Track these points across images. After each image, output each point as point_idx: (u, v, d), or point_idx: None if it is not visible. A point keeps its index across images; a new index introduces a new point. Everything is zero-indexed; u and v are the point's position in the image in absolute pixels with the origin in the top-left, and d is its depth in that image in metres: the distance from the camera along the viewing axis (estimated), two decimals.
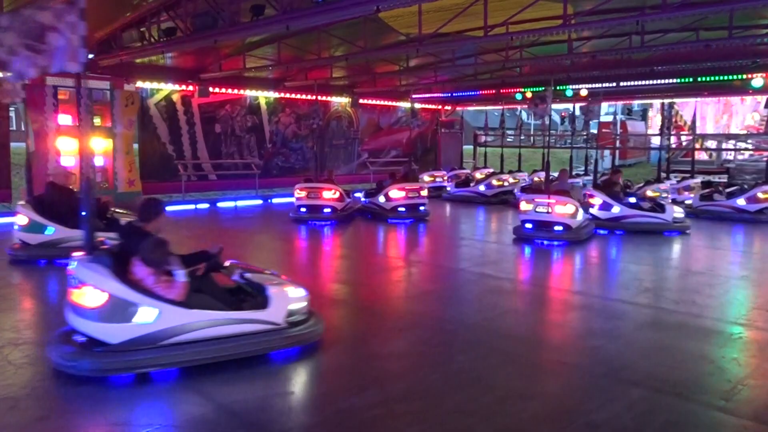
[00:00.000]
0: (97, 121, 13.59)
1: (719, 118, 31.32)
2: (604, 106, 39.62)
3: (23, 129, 14.22)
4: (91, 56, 12.62)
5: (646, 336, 5.35)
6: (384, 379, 4.31)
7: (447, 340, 5.20)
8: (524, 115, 31.85)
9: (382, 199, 12.56)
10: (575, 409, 3.86)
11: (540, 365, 4.76)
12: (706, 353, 4.90)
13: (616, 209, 11.10)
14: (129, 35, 11.97)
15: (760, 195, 12.69)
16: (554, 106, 25.91)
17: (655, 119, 34.30)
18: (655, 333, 5.42)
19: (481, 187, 16.24)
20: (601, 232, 10.96)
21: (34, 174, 12.68)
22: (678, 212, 11.21)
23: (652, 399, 4.00)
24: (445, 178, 18.28)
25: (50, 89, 12.90)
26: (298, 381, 4.44)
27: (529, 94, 18.74)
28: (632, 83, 15.82)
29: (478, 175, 17.74)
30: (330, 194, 12.15)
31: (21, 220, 8.15)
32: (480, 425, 3.64)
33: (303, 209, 12.20)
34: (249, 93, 17.08)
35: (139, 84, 14.66)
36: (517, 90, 18.04)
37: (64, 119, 13.11)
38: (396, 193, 12.45)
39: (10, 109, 14.00)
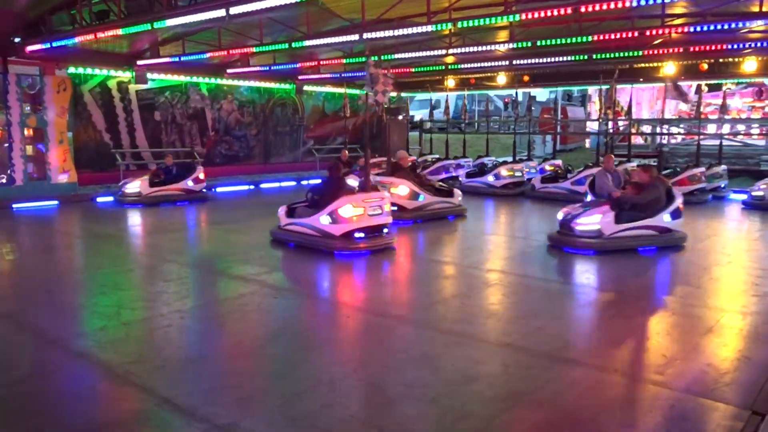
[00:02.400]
0: (27, 108, 12.92)
1: (653, 103, 32.54)
2: (544, 92, 40.49)
3: None
4: (17, 40, 11.97)
5: (586, 315, 5.53)
6: (328, 367, 4.30)
7: (390, 325, 5.23)
8: (457, 103, 32.26)
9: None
10: (520, 389, 3.95)
11: (486, 347, 4.85)
12: (643, 331, 5.11)
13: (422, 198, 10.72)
14: (59, 18, 11.39)
15: (691, 178, 13.33)
16: (498, 92, 26.19)
17: (595, 105, 35.38)
18: (593, 312, 5.60)
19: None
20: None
21: None
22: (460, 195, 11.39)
23: (593, 376, 4.15)
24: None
25: None
26: (245, 372, 4.37)
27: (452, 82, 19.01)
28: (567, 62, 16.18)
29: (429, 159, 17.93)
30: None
31: None
32: (427, 408, 3.68)
33: None
34: (189, 79, 16.59)
35: (72, 69, 14.01)
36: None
37: None
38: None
39: None
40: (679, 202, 8.24)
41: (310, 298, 6.42)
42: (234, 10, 8.44)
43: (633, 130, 20.35)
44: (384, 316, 5.50)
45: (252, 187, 16.54)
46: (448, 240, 9.72)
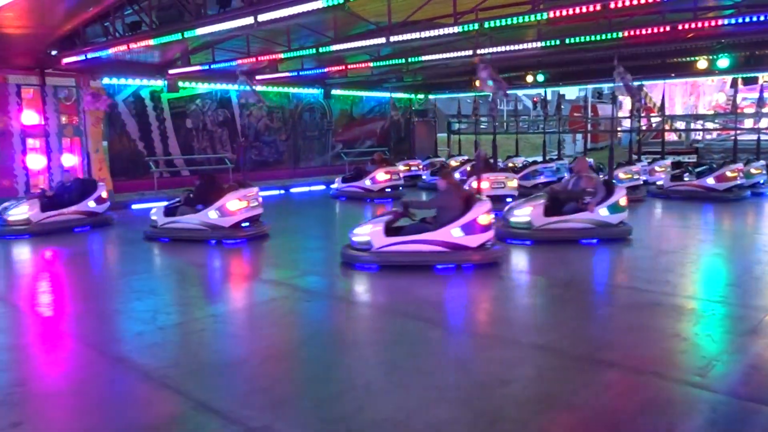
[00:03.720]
0: (63, 119, 13.28)
1: (687, 99, 31.82)
2: (574, 90, 39.88)
3: None
4: (54, 53, 12.31)
5: (621, 316, 5.43)
6: (363, 371, 4.30)
7: (423, 327, 5.22)
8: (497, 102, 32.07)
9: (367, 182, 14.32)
10: (554, 392, 3.89)
11: (519, 349, 4.80)
12: (679, 331, 5.00)
13: None
14: (93, 30, 11.68)
15: (729, 174, 12.95)
16: (526, 91, 25.95)
17: (625, 102, 34.78)
18: (629, 313, 5.49)
19: (456, 174, 16.28)
20: None
21: (0, 174, 12.46)
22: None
23: (630, 379, 4.07)
24: (421, 166, 18.28)
25: (13, 87, 12.57)
26: (279, 376, 4.40)
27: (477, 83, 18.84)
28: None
29: (453, 163, 17.79)
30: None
31: None
32: (461, 411, 3.65)
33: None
34: (219, 87, 16.85)
35: (106, 80, 14.36)
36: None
37: (29, 118, 12.80)
38: (382, 176, 14.25)
39: None
40: (619, 196, 8.71)
41: (345, 301, 6.43)
42: (262, 17, 8.54)
43: (666, 127, 19.97)
44: (416, 318, 5.48)
45: (282, 191, 16.69)
46: None
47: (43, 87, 12.95)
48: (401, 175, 15.03)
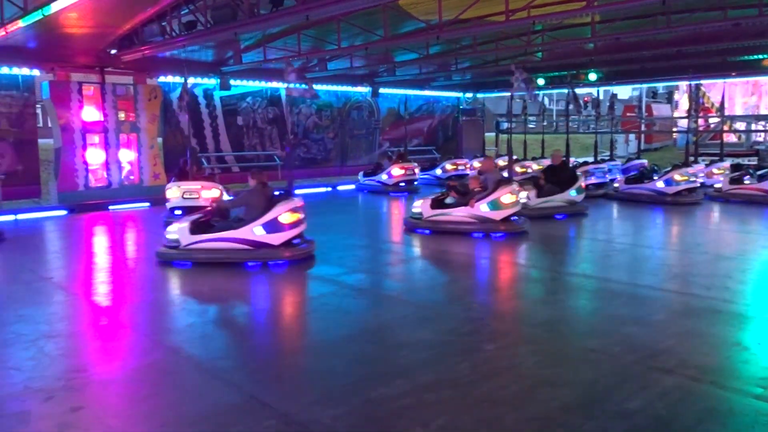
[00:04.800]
0: (121, 116, 13.73)
1: (748, 99, 30.56)
2: (627, 89, 38.67)
3: (50, 125, 14.46)
4: (113, 52, 12.74)
5: (677, 322, 5.25)
6: (412, 369, 4.29)
7: (474, 329, 5.17)
8: (546, 101, 31.48)
9: (384, 176, 15.50)
10: (606, 398, 3.79)
11: (568, 353, 4.70)
12: (740, 340, 4.80)
13: None
14: (150, 30, 12.03)
15: None
16: (577, 90, 25.53)
17: (682, 102, 33.67)
18: (686, 319, 5.31)
19: (504, 174, 16.06)
20: None
21: (62, 169, 12.99)
22: None
23: (686, 387, 3.93)
24: (468, 166, 18.12)
25: (75, 85, 13.07)
26: (326, 370, 4.43)
27: (541, 81, 18.54)
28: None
29: (501, 163, 17.54)
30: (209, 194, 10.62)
31: None
32: (509, 414, 3.60)
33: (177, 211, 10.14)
34: (270, 85, 17.11)
35: (161, 78, 14.77)
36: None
37: (90, 114, 13.29)
38: (397, 171, 15.39)
39: (37, 106, 14.22)
40: (501, 193, 9.29)
41: (388, 297, 6.43)
42: (313, 15, 8.63)
43: (724, 128, 19.22)
44: (462, 319, 5.44)
45: (329, 189, 16.82)
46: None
47: (103, 84, 13.41)
48: (416, 171, 15.94)
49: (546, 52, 15.53)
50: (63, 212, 12.41)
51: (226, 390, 4.01)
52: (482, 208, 9.27)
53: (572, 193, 11.19)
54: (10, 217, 11.55)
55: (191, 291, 6.77)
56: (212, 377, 4.21)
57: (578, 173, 11.78)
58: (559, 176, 11.25)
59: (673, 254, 8.46)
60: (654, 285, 6.60)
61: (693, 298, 5.93)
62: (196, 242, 7.37)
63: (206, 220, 7.68)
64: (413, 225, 9.84)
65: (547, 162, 17.72)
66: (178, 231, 7.44)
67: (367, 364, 4.44)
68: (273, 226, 7.27)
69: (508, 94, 22.78)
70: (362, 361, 4.50)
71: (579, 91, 22.44)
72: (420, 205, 9.69)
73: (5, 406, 3.78)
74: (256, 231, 7.24)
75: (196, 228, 7.44)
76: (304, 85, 10.84)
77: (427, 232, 9.60)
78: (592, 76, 16.81)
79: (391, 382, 4.04)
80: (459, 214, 9.40)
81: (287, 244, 7.43)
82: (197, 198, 10.34)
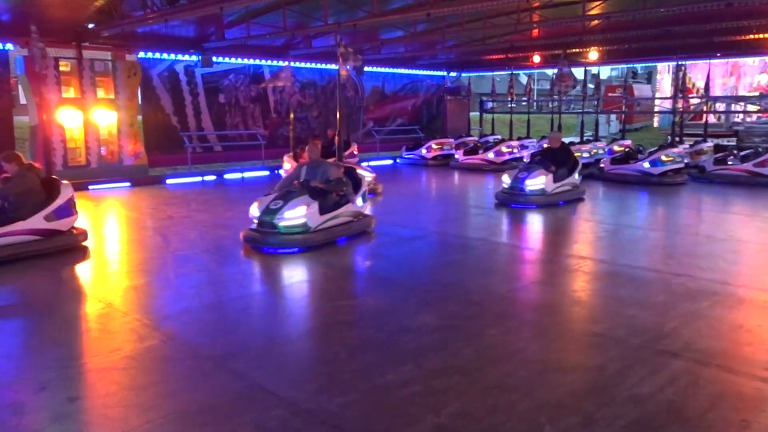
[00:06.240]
0: (100, 93, 13.32)
1: (727, 79, 30.87)
2: (606, 69, 38.59)
3: (23, 103, 14.00)
4: (91, 26, 12.30)
5: (678, 304, 5.24)
6: (418, 354, 4.22)
7: (477, 313, 5.11)
8: (524, 79, 31.33)
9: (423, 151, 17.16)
10: (616, 383, 3.76)
11: (573, 337, 4.67)
12: (742, 322, 4.81)
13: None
14: (130, 2, 11.62)
15: None
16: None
17: (663, 82, 33.84)
18: (686, 301, 5.31)
19: (490, 155, 16.04)
20: None
21: (37, 147, 12.58)
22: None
23: (694, 371, 3.91)
24: (453, 145, 18.03)
25: (51, 61, 12.59)
26: (330, 359, 4.33)
27: (537, 58, 18.42)
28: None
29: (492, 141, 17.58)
30: None
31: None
32: (521, 400, 3.55)
33: None
34: (253, 62, 16.75)
35: (141, 54, 14.34)
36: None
37: (67, 91, 12.85)
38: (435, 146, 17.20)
39: (11, 82, 13.71)
40: (366, 186, 8.41)
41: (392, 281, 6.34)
42: None
43: (706, 108, 19.37)
44: (464, 303, 5.37)
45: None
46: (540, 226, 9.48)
47: (80, 60, 12.96)
48: (453, 146, 17.42)
49: (539, 29, 15.37)
50: None
51: (228, 378, 3.89)
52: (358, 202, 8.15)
53: (576, 177, 10.90)
54: None
55: (182, 274, 6.60)
56: (212, 364, 4.08)
57: (577, 158, 11.37)
58: (556, 160, 10.80)
59: (664, 235, 8.49)
60: (650, 266, 6.61)
61: (690, 280, 5.94)
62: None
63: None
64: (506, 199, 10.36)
65: (530, 141, 17.78)
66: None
67: (372, 350, 4.35)
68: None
69: (493, 73, 22.76)
70: (366, 346, 4.41)
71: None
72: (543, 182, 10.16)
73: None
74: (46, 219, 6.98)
75: None
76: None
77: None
78: (593, 55, 16.71)
79: (397, 368, 3.96)
80: (346, 211, 7.79)
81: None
82: None
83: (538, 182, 10.16)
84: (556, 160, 10.69)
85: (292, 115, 13.59)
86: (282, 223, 7.06)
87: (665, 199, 11.38)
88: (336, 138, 9.93)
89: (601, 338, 4.51)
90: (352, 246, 7.66)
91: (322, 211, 7.33)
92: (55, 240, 7.11)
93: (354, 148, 15.11)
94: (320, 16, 12.17)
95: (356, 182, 8.18)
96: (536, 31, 15.42)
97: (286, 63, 16.83)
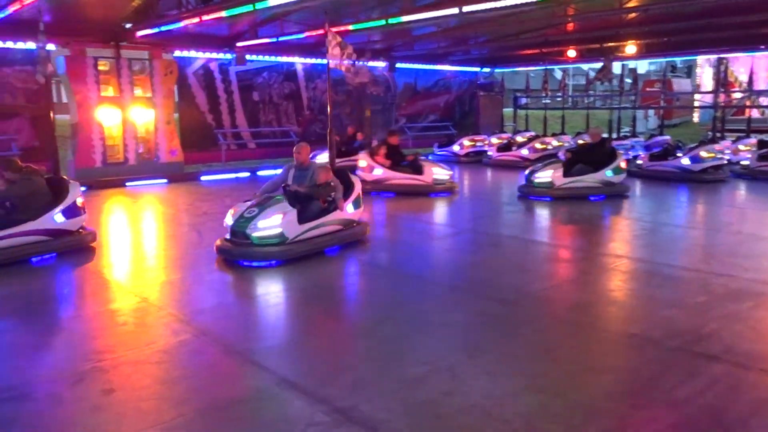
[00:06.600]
0: (138, 91, 13.58)
1: None
2: (644, 63, 37.65)
3: (65, 101, 14.38)
4: (128, 26, 12.54)
5: (719, 305, 5.07)
6: (448, 352, 4.16)
7: (509, 312, 5.03)
8: (558, 75, 30.81)
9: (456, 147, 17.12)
10: (652, 386, 3.66)
11: (607, 337, 4.56)
12: None
13: (378, 171, 11.19)
14: (166, 2, 11.80)
15: None
16: (595, 65, 25.00)
17: (704, 76, 32.89)
18: (727, 302, 5.13)
19: (524, 151, 15.83)
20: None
21: (79, 145, 12.91)
22: (439, 174, 11.22)
23: (735, 375, 3.78)
24: (486, 142, 17.85)
25: (91, 60, 12.91)
26: (361, 357, 4.32)
27: (572, 53, 18.08)
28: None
29: (519, 139, 17.28)
30: None
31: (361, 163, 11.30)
32: (553, 401, 3.48)
33: None
34: (286, 60, 16.87)
35: (177, 53, 14.57)
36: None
37: (106, 90, 13.14)
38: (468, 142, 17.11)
39: (53, 81, 14.08)
40: (357, 191, 7.47)
41: (416, 278, 6.30)
42: None
43: (748, 103, 18.75)
44: (494, 300, 5.30)
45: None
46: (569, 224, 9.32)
47: (118, 59, 13.24)
48: (486, 143, 17.30)
49: (574, 23, 15.07)
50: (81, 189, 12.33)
51: (258, 373, 3.91)
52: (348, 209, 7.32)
53: (608, 174, 10.59)
54: None
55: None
56: (243, 359, 4.12)
57: (619, 153, 11.02)
58: (594, 155, 10.70)
59: (705, 233, 8.26)
60: (689, 266, 6.43)
61: (731, 280, 5.74)
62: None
63: None
64: (533, 193, 10.51)
65: (566, 138, 17.49)
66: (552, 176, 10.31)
67: (400, 348, 4.33)
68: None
69: (527, 69, 22.45)
70: (393, 344, 4.39)
71: (597, 65, 21.92)
72: (551, 175, 10.37)
73: (36, 389, 3.71)
74: (57, 218, 6.95)
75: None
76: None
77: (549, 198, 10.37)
78: (631, 48, 16.32)
79: (423, 366, 3.93)
80: (332, 220, 7.03)
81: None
82: None
83: (545, 175, 10.49)
84: (595, 155, 10.53)
85: (368, 113, 13.67)
86: (255, 234, 6.31)
87: (705, 196, 11.07)
88: (332, 136, 9.26)
89: (638, 339, 4.40)
90: (370, 249, 7.63)
91: (303, 219, 6.59)
92: (63, 240, 6.97)
93: None
94: (353, 12, 12.17)
95: (348, 186, 7.38)
96: (571, 24, 15.13)
97: (323, 60, 16.92)
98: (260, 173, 15.16)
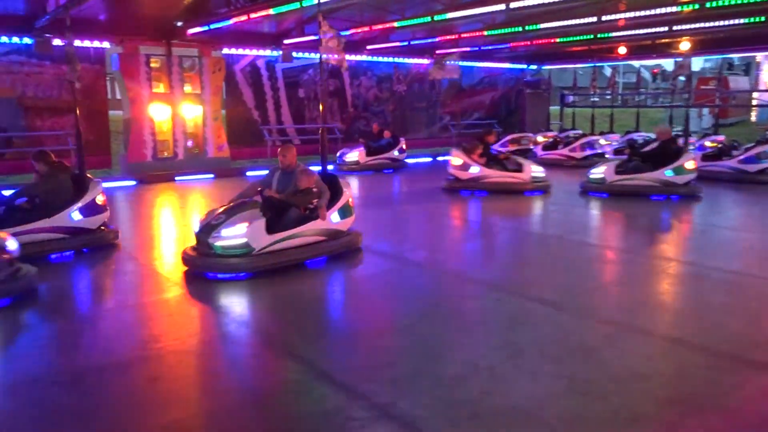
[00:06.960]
0: (187, 88, 13.90)
1: None
2: (699, 60, 36.56)
3: (118, 98, 14.84)
4: (179, 24, 12.85)
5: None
6: (488, 350, 4.12)
7: (551, 312, 4.95)
8: (607, 72, 30.07)
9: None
10: (702, 392, 3.53)
11: (655, 342, 4.42)
12: None
13: (475, 169, 11.02)
14: (215, 1, 12.05)
15: None
16: (646, 62, 24.15)
17: (763, 74, 31.60)
18: None
19: (571, 150, 15.52)
20: None
21: (131, 140, 13.32)
22: (537, 172, 11.04)
23: None
24: (531, 140, 17.56)
25: (143, 57, 13.28)
26: (401, 355, 4.32)
27: (623, 49, 17.62)
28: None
29: (571, 135, 16.97)
30: None
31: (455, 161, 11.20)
32: (595, 405, 3.40)
33: None
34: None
35: (225, 50, 14.85)
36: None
37: (157, 86, 13.51)
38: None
39: (107, 78, 14.55)
40: (345, 198, 6.75)
41: (453, 275, 6.26)
42: None
43: None
44: (536, 301, 5.22)
45: (430, 159, 16.81)
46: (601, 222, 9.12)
47: (169, 57, 13.58)
48: (531, 140, 17.11)
49: (619, 21, 14.67)
50: (132, 182, 12.75)
51: (298, 366, 3.95)
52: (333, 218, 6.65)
53: (667, 173, 10.28)
54: None
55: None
56: (283, 352, 4.17)
57: (685, 153, 10.68)
58: (658, 154, 10.52)
59: (760, 237, 7.91)
60: (742, 270, 6.18)
61: None
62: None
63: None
64: (590, 188, 10.74)
65: (614, 137, 17.06)
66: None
67: (439, 346, 4.30)
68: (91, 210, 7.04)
69: (575, 66, 21.99)
70: (433, 343, 4.37)
71: (649, 63, 21.30)
72: (603, 171, 10.56)
73: (85, 376, 3.84)
74: (74, 216, 6.89)
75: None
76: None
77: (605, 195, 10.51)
78: (685, 45, 15.80)
79: (462, 365, 3.89)
80: (312, 229, 6.36)
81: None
82: None
83: (598, 171, 10.71)
84: (659, 154, 10.37)
85: (476, 114, 13.51)
86: (218, 243, 5.79)
87: (761, 198, 10.63)
88: (324, 135, 8.12)
89: (687, 345, 4.26)
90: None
91: (274, 228, 6.00)
92: (81, 238, 6.91)
93: (402, 144, 15.04)
94: (395, 9, 12.15)
95: (335, 193, 6.72)
96: (622, 20, 14.70)
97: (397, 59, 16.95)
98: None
